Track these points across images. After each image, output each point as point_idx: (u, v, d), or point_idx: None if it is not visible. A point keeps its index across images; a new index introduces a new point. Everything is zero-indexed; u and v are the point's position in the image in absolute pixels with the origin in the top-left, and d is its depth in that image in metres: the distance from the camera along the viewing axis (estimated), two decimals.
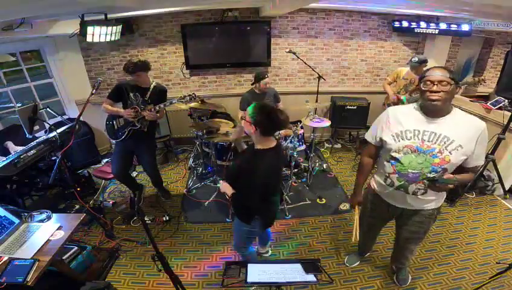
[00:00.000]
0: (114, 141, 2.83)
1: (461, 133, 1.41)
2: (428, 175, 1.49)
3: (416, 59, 3.17)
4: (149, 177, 3.25)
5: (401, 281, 2.22)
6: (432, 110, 1.43)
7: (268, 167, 1.59)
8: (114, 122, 2.73)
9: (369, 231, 2.16)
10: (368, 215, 1.99)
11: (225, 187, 1.72)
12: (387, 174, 1.64)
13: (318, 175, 3.71)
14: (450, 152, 1.42)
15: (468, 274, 2.30)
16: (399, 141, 1.52)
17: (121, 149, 2.83)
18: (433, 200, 1.64)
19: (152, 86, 2.67)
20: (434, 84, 1.35)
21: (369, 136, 1.72)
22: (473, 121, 1.44)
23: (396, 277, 2.25)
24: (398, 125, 1.53)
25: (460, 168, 1.51)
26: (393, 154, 1.56)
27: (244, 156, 1.80)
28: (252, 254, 2.14)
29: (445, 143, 1.42)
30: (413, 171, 1.52)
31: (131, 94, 2.62)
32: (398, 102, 3.44)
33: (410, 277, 2.25)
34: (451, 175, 1.45)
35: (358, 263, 2.43)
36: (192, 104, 3.21)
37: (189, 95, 2.65)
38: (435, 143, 1.44)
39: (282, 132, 3.06)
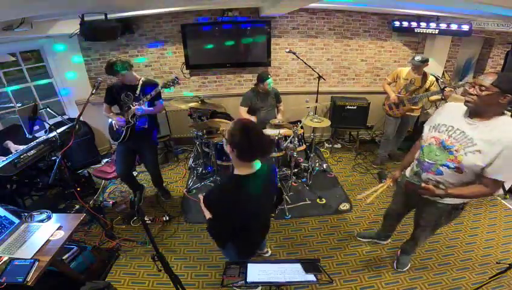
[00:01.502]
0: (116, 143, 2.84)
1: (487, 139, 1.41)
2: (440, 168, 1.58)
3: (419, 58, 3.17)
4: (150, 175, 3.24)
5: (400, 265, 2.32)
6: (472, 112, 1.49)
7: (242, 198, 1.38)
8: (113, 124, 2.75)
9: (395, 214, 2.27)
10: (393, 199, 2.16)
11: (204, 209, 1.52)
12: (414, 160, 1.81)
13: (318, 175, 3.71)
14: (465, 153, 1.47)
15: (468, 274, 2.31)
16: (431, 132, 1.65)
17: (123, 149, 2.84)
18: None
19: (141, 81, 2.64)
20: (472, 87, 1.44)
21: (426, 123, 1.80)
22: (507, 132, 1.38)
23: (397, 261, 2.33)
24: (439, 118, 1.65)
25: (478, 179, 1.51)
26: (422, 142, 1.72)
27: (223, 182, 1.62)
28: None
29: (466, 144, 1.47)
30: (429, 161, 1.64)
31: (122, 95, 2.62)
32: (399, 102, 3.44)
33: (409, 265, 2.31)
34: (431, 187, 1.54)
35: (368, 240, 2.63)
36: (192, 104, 3.22)
37: (172, 80, 2.59)
38: (458, 141, 1.50)
39: (282, 131, 3.06)
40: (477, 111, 1.46)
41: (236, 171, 1.44)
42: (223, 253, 1.97)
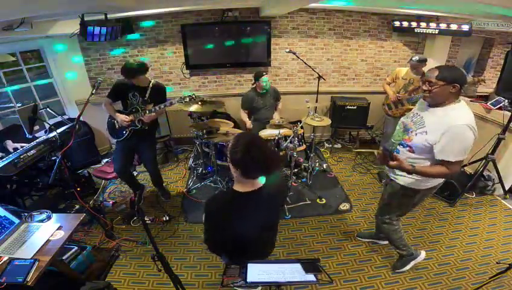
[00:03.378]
0: (115, 140, 2.84)
1: (434, 122, 1.61)
2: (398, 147, 1.81)
3: (417, 58, 3.19)
4: (150, 175, 3.24)
5: (392, 267, 2.35)
6: (429, 102, 1.70)
7: (240, 217, 1.31)
8: (115, 121, 2.73)
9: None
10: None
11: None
12: None
13: (318, 175, 3.71)
14: (416, 134, 1.68)
15: (468, 274, 2.30)
16: (404, 118, 1.87)
17: (123, 147, 2.84)
18: (401, 175, 1.83)
19: (151, 84, 2.65)
20: (424, 84, 1.64)
21: None
22: (452, 117, 1.56)
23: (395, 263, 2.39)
24: (415, 108, 1.85)
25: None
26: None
27: (222, 195, 1.49)
28: None
29: (419, 126, 1.68)
30: (393, 140, 1.89)
31: (130, 94, 2.62)
32: (398, 102, 3.44)
33: (404, 269, 2.30)
34: (401, 158, 1.65)
35: (367, 240, 2.66)
36: (194, 107, 3.21)
37: (189, 96, 2.65)
38: (415, 124, 1.72)
39: (282, 131, 3.06)
40: (437, 102, 1.63)
41: (235, 187, 1.33)
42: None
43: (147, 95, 2.62)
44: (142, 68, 2.49)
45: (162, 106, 2.60)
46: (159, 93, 2.67)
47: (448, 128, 1.52)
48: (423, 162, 1.71)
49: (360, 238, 2.68)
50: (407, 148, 1.74)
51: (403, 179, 1.84)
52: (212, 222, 1.37)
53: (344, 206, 3.14)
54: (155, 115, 2.71)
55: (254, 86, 3.50)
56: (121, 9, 2.99)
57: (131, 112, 2.66)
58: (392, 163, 1.62)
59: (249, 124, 3.61)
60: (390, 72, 3.72)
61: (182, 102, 2.67)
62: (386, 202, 2.10)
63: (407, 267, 2.30)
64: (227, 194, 1.46)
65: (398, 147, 1.81)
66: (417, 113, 1.76)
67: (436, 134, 1.58)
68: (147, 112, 2.60)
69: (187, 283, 2.23)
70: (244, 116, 3.57)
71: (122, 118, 2.59)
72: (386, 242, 2.61)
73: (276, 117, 3.58)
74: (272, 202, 1.44)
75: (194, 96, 2.68)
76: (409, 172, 1.65)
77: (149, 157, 2.99)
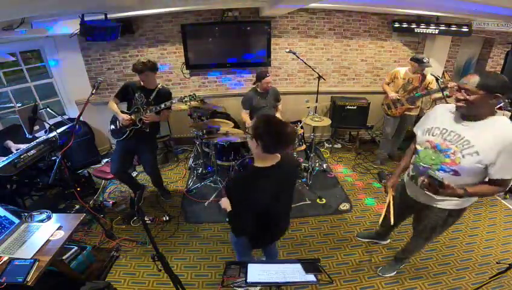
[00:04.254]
0: (115, 140, 2.84)
1: (484, 140, 1.38)
2: (437, 172, 1.52)
3: (427, 59, 3.19)
4: (149, 177, 3.24)
5: (381, 270, 2.31)
6: (463, 114, 1.46)
7: (263, 190, 1.41)
8: (117, 121, 2.74)
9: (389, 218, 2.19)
10: (395, 202, 2.01)
11: (225, 204, 1.56)
12: (410, 165, 1.79)
13: (318, 175, 3.71)
14: (463, 155, 1.43)
15: (468, 274, 2.31)
16: (425, 135, 1.62)
17: (122, 148, 2.84)
18: (443, 200, 1.63)
19: (157, 88, 2.69)
20: (458, 91, 1.41)
21: (415, 127, 1.80)
22: (504, 131, 1.36)
23: (385, 266, 2.34)
24: (432, 121, 1.61)
25: (487, 181, 1.48)
26: (417, 146, 1.69)
27: (243, 172, 1.61)
28: None
29: (463, 146, 1.43)
30: (424, 165, 1.61)
31: (136, 94, 2.65)
32: (397, 101, 3.45)
33: (394, 273, 2.30)
34: (452, 185, 1.42)
35: (368, 240, 2.64)
36: (193, 104, 3.22)
37: (190, 96, 2.68)
38: (454, 144, 1.47)
39: None
40: (472, 114, 1.43)
41: (256, 164, 1.45)
42: (233, 245, 2.00)
43: (152, 97, 2.65)
44: (152, 66, 2.53)
45: (163, 106, 2.61)
46: (164, 97, 2.68)
47: (506, 144, 1.33)
48: (460, 183, 1.49)
49: (360, 239, 2.68)
50: (451, 172, 1.50)
51: (449, 202, 1.64)
52: (238, 200, 1.45)
53: (344, 206, 3.14)
54: (158, 118, 2.72)
55: (255, 85, 3.50)
56: (121, 9, 2.99)
57: (133, 112, 2.67)
58: (443, 191, 1.42)
59: (248, 122, 3.61)
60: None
61: (182, 101, 2.69)
62: (428, 234, 1.91)
63: (395, 272, 2.31)
64: (248, 172, 1.59)
65: (436, 172, 1.53)
66: (446, 129, 1.51)
67: (491, 153, 1.36)
68: (148, 111, 2.61)
69: (187, 283, 2.23)
70: (245, 116, 3.55)
71: (123, 117, 2.62)
72: (386, 242, 2.61)
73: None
74: (288, 174, 1.59)
75: (194, 95, 2.70)
76: (462, 196, 1.47)
77: (148, 160, 2.99)
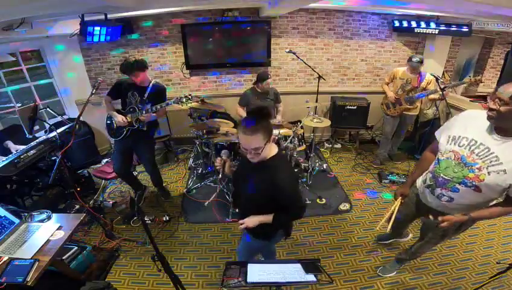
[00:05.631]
0: (113, 140, 2.84)
1: None
2: (456, 186, 1.45)
3: (417, 59, 3.19)
4: (149, 175, 3.24)
5: (381, 270, 2.30)
6: (497, 127, 1.34)
7: (290, 169, 1.51)
8: (113, 120, 2.73)
9: (402, 221, 2.15)
10: (404, 205, 1.95)
11: (254, 221, 1.50)
12: (428, 171, 1.67)
13: (318, 175, 3.71)
14: (489, 172, 1.33)
15: (468, 274, 2.31)
16: (451, 144, 1.48)
17: (121, 147, 2.84)
18: (459, 209, 1.54)
19: (151, 84, 2.65)
20: (493, 100, 1.29)
21: (437, 131, 1.66)
22: None
23: (385, 266, 2.33)
24: (461, 129, 1.47)
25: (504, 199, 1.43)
26: (439, 155, 1.55)
27: (263, 176, 1.45)
28: None
29: (490, 162, 1.32)
30: (445, 176, 1.49)
31: (129, 93, 2.62)
32: (396, 102, 3.46)
33: (394, 273, 2.30)
34: (451, 218, 1.43)
35: (389, 241, 2.60)
36: (193, 104, 3.21)
37: (185, 96, 2.57)
38: (481, 159, 1.35)
39: (282, 131, 3.06)
40: (502, 127, 1.31)
41: (271, 155, 1.44)
42: (253, 250, 1.90)
43: (146, 95, 2.62)
44: (140, 65, 2.47)
45: (159, 107, 2.58)
46: (158, 94, 2.65)
47: None
48: (485, 202, 1.46)
49: (381, 242, 2.62)
50: (473, 187, 1.40)
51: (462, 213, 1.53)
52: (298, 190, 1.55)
53: (344, 206, 3.14)
54: (154, 116, 2.70)
55: (255, 85, 3.50)
56: (121, 9, 2.98)
57: (129, 112, 2.66)
58: (442, 225, 1.43)
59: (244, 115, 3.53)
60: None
61: (178, 103, 2.64)
62: (437, 240, 1.86)
63: (395, 272, 2.31)
64: (284, 158, 1.62)
65: (457, 185, 1.44)
66: (475, 141, 1.38)
67: None
68: (144, 112, 2.59)
69: (187, 283, 2.23)
70: (241, 111, 3.53)
71: (119, 119, 2.59)
72: (408, 238, 2.59)
73: (278, 119, 3.57)
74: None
75: (190, 95, 2.65)
76: (467, 222, 1.44)
77: (147, 158, 2.99)
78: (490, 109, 1.29)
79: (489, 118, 1.32)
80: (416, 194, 1.83)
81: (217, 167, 1.78)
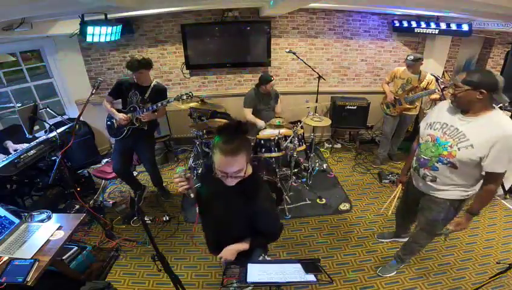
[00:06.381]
0: (113, 139, 2.84)
1: (479, 134, 1.49)
2: (435, 164, 1.67)
3: (412, 57, 3.20)
4: (149, 175, 3.24)
5: (381, 270, 2.32)
6: (462, 109, 1.58)
7: (268, 190, 1.41)
8: (113, 120, 2.73)
9: (404, 212, 2.30)
10: (403, 195, 2.19)
11: (233, 251, 1.41)
12: (414, 157, 1.90)
13: (318, 175, 3.71)
14: (458, 148, 1.54)
15: (468, 274, 2.31)
16: (427, 129, 1.73)
17: (121, 147, 2.84)
18: (444, 190, 1.72)
19: (152, 84, 2.67)
20: (452, 88, 1.56)
21: (421, 123, 1.88)
22: (498, 127, 1.45)
23: (385, 266, 2.35)
24: (435, 116, 1.73)
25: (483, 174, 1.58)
26: (420, 140, 1.81)
27: (240, 200, 1.33)
28: None
29: (459, 139, 1.54)
30: (425, 157, 1.73)
31: (130, 92, 2.63)
32: (396, 101, 3.46)
33: (394, 273, 2.30)
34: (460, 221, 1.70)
35: (389, 240, 2.64)
36: (193, 104, 3.21)
37: (186, 94, 2.64)
38: (452, 138, 1.58)
39: (282, 131, 3.05)
40: (463, 108, 1.56)
41: (248, 174, 1.31)
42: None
43: (147, 95, 2.63)
44: (146, 63, 2.51)
45: (159, 105, 2.59)
46: (159, 94, 2.67)
47: (499, 139, 1.42)
48: (466, 179, 1.63)
49: (381, 239, 2.66)
50: (449, 164, 1.61)
51: (451, 193, 1.72)
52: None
53: (344, 206, 3.14)
54: (154, 115, 2.71)
55: (256, 87, 3.47)
56: (121, 9, 2.98)
57: (129, 111, 2.66)
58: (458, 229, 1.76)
59: (261, 123, 3.32)
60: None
61: (178, 100, 2.67)
62: (429, 227, 1.95)
63: (395, 272, 2.32)
64: (253, 182, 1.41)
65: (435, 164, 1.67)
66: (446, 124, 1.62)
67: (484, 147, 1.46)
68: (145, 110, 2.60)
69: (187, 283, 2.23)
70: (250, 115, 3.41)
71: (120, 117, 2.60)
72: (407, 239, 2.58)
73: (277, 110, 3.58)
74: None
75: (190, 93, 2.68)
76: (471, 217, 1.69)
77: (147, 158, 2.99)
78: (451, 95, 1.57)
79: (452, 102, 1.60)
80: (409, 181, 2.04)
81: (181, 188, 1.42)
